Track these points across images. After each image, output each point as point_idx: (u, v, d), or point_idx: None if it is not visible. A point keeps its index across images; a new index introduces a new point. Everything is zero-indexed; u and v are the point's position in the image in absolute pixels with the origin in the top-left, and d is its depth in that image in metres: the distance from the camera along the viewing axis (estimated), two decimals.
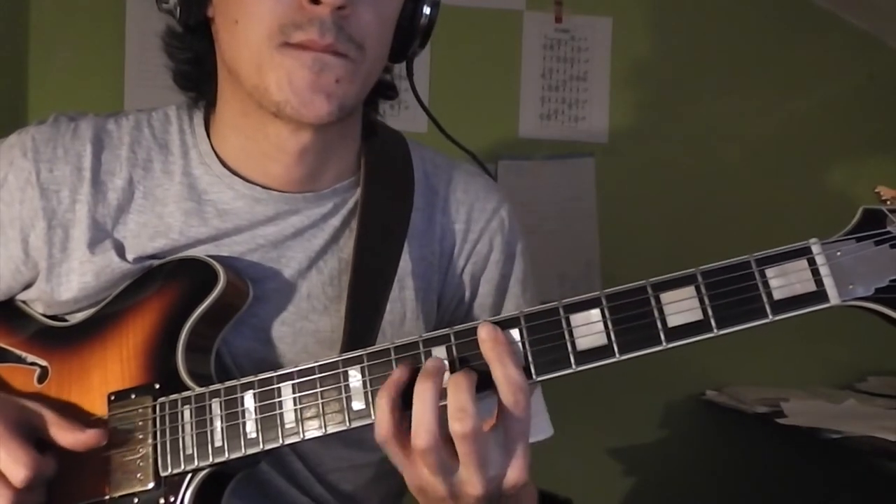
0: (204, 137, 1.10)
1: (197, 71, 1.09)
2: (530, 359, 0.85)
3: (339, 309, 1.09)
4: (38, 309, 1.10)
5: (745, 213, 2.49)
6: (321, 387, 0.91)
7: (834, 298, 0.82)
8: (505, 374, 0.83)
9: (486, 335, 0.85)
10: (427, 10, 1.08)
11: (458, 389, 0.82)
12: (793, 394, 2.25)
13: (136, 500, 0.95)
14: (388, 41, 1.04)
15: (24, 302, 1.11)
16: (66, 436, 0.95)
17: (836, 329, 2.08)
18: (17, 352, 1.06)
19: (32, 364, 1.05)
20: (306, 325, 1.09)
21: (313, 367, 0.91)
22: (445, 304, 1.18)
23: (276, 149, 1.05)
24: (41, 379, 1.04)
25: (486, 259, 1.17)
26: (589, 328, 0.85)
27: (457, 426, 0.81)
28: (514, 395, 0.83)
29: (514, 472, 0.85)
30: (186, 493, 0.94)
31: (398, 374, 0.86)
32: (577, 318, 0.85)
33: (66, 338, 1.06)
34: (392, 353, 0.89)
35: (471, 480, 0.84)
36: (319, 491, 1.13)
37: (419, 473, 0.85)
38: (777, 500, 2.43)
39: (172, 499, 0.94)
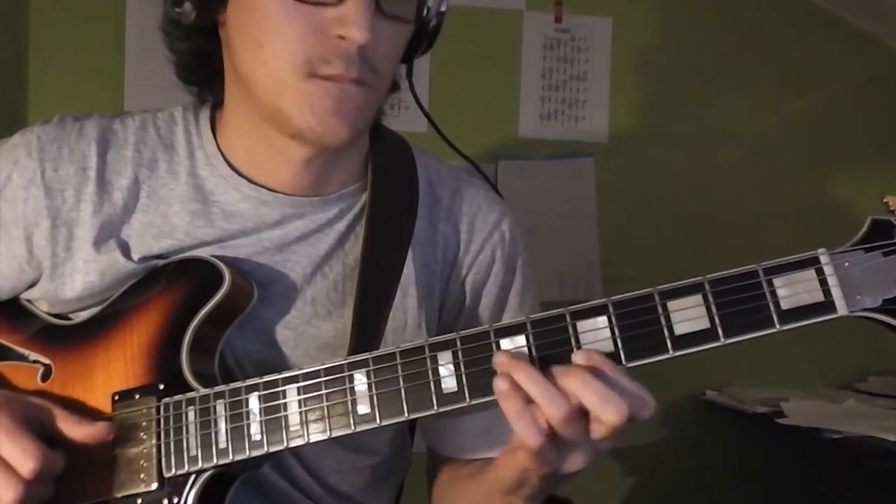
0: (210, 138, 1.10)
1: (198, 64, 1.09)
2: (536, 365, 0.85)
3: (342, 314, 1.09)
4: (42, 307, 1.09)
5: (744, 213, 2.49)
6: (326, 389, 0.91)
7: (842, 309, 0.82)
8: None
9: (501, 360, 0.86)
10: (434, 20, 1.08)
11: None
12: (793, 394, 2.25)
13: (139, 501, 0.94)
14: (399, 60, 1.06)
15: (28, 300, 1.11)
16: (75, 429, 0.95)
17: (837, 329, 2.06)
18: (20, 349, 1.06)
19: (35, 362, 1.05)
20: (309, 329, 1.09)
21: (318, 371, 0.92)
22: (446, 313, 1.18)
23: (283, 157, 1.06)
24: (44, 377, 1.03)
25: (487, 270, 1.18)
26: (595, 335, 0.85)
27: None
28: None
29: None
30: (190, 495, 0.94)
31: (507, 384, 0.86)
32: (583, 325, 0.85)
33: (70, 336, 1.06)
34: (398, 357, 0.89)
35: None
36: (319, 493, 1.13)
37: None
38: (777, 500, 2.43)
39: (176, 500, 0.94)
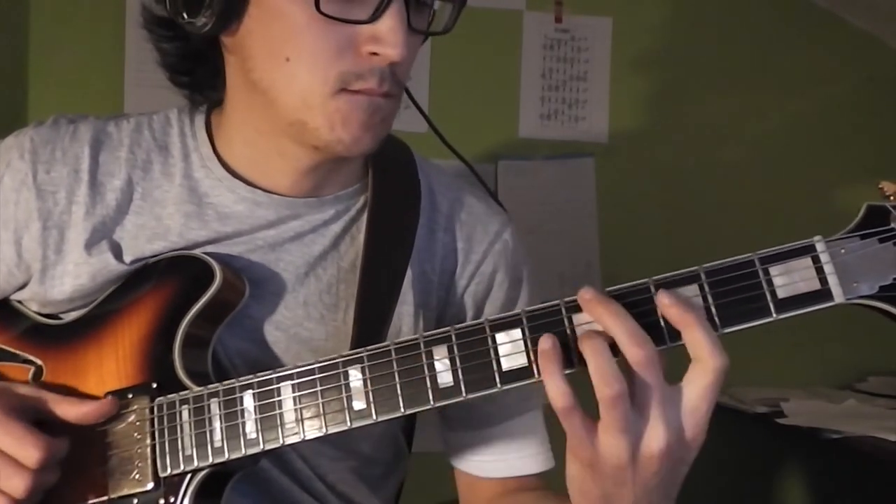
0: (205, 140, 1.09)
1: (189, 66, 1.08)
2: (532, 357, 0.85)
3: (334, 318, 1.09)
4: (31, 307, 1.09)
5: (744, 213, 2.49)
6: (321, 386, 0.90)
7: (838, 297, 0.81)
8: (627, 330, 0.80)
9: (590, 296, 0.83)
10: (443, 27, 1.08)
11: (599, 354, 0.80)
12: (793, 394, 2.26)
13: (135, 501, 0.94)
14: None
15: (18, 301, 1.10)
16: (70, 409, 0.94)
17: (837, 329, 2.08)
18: (10, 349, 1.05)
19: (25, 362, 1.04)
20: (300, 332, 1.08)
21: (313, 368, 0.91)
22: (446, 325, 1.16)
23: (289, 164, 1.05)
24: (35, 377, 1.03)
25: (490, 281, 1.16)
26: (592, 326, 0.84)
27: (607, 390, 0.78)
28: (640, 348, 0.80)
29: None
30: (186, 494, 0.93)
31: (550, 342, 0.82)
32: (579, 318, 0.84)
33: (61, 336, 1.05)
34: (393, 354, 0.89)
35: (654, 434, 0.80)
36: (321, 489, 1.12)
37: (600, 442, 0.81)
38: (777, 500, 2.43)
39: (172, 499, 0.93)
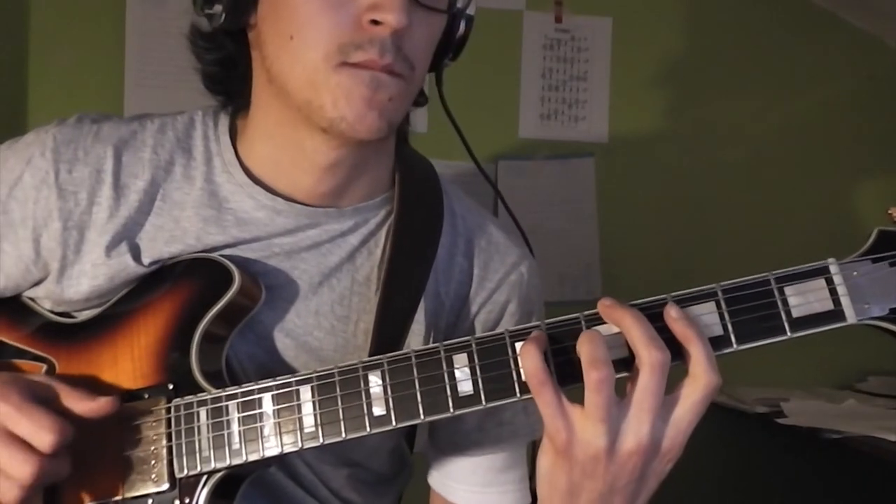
0: (228, 145, 1.09)
1: (225, 73, 1.08)
2: (552, 369, 0.84)
3: (344, 330, 1.09)
4: (44, 305, 1.08)
5: (744, 213, 2.50)
6: (341, 391, 0.91)
7: (850, 317, 0.83)
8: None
9: (610, 302, 0.85)
10: (462, 25, 1.07)
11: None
12: (793, 394, 2.27)
13: (150, 502, 0.94)
14: (431, 58, 1.04)
15: (30, 298, 1.10)
16: (80, 404, 0.93)
17: (837, 329, 2.08)
18: (23, 347, 1.05)
19: (35, 359, 1.03)
20: (310, 340, 1.08)
21: (332, 372, 0.91)
22: None
23: (309, 161, 1.04)
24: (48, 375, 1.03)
25: (502, 309, 1.16)
26: (612, 340, 0.84)
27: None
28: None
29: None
30: (202, 495, 0.93)
31: (538, 332, 0.86)
32: (601, 329, 0.85)
33: (74, 334, 1.04)
34: (413, 359, 0.89)
35: (635, 433, 0.82)
36: (325, 493, 1.13)
37: (578, 427, 0.83)
38: (777, 500, 2.43)
39: (188, 500, 0.93)
